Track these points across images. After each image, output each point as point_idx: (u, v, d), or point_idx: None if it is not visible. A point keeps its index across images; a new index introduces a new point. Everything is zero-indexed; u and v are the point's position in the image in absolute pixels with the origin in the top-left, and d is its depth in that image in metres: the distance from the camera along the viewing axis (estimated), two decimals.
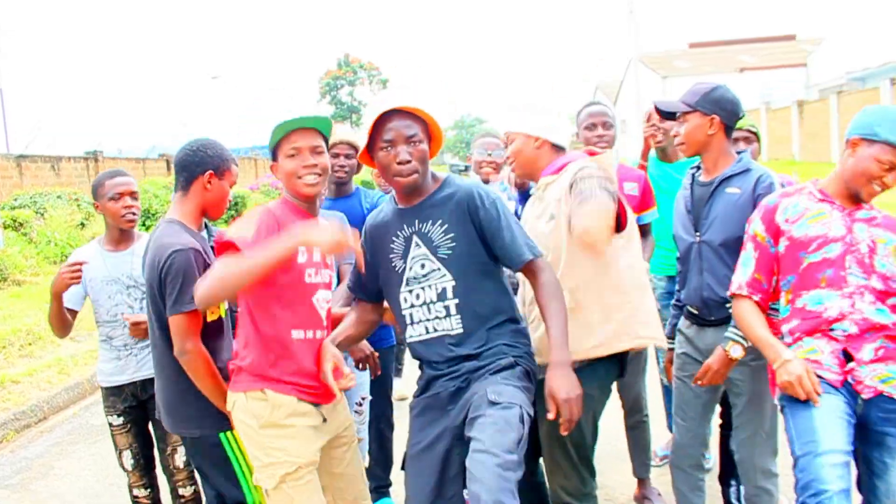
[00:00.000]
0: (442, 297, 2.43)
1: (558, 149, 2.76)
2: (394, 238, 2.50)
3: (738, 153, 2.93)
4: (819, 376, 2.37)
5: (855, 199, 2.48)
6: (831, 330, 2.40)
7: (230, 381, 2.50)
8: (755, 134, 3.46)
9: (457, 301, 2.42)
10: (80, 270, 3.07)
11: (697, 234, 2.88)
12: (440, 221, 2.44)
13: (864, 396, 2.37)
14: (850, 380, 2.38)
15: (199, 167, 2.67)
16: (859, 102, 22.97)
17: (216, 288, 2.26)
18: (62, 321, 3.23)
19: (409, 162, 2.38)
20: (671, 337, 3.11)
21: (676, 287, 3.13)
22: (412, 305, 2.47)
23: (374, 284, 2.60)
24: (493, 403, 2.23)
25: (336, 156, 3.50)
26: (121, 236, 3.26)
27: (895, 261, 2.41)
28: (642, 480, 3.73)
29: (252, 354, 2.44)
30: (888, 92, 21.05)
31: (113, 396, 3.25)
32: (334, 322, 2.65)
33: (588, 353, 2.48)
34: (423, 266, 2.45)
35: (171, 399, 2.65)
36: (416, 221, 2.46)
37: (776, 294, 2.60)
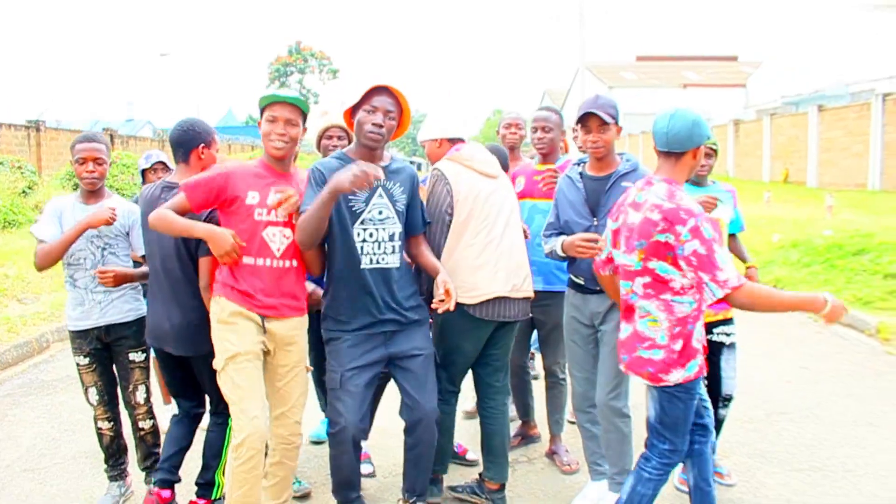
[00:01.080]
0: (392, 238, 3.19)
1: (454, 141, 3.59)
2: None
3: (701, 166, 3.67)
4: None
5: None
6: None
7: None
8: (715, 151, 3.89)
9: (399, 244, 3.22)
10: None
11: (595, 218, 3.40)
12: (398, 184, 3.23)
13: None
14: None
15: (192, 143, 3.29)
16: (790, 125, 24.20)
17: (155, 224, 3.02)
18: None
19: (381, 127, 3.10)
20: None
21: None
22: (364, 240, 3.14)
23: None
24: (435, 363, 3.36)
25: (329, 137, 4.02)
26: (90, 194, 3.58)
27: None
28: (554, 436, 4.23)
29: (221, 272, 3.10)
30: (815, 117, 22.25)
31: (79, 339, 3.57)
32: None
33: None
34: (380, 212, 3.17)
35: (196, 325, 3.18)
36: (383, 179, 3.08)
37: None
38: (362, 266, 3.13)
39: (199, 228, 2.98)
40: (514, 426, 4.38)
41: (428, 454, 3.30)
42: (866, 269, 8.22)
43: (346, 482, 3.23)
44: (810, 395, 5.26)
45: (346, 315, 3.16)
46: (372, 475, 3.97)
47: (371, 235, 3.14)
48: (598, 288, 3.39)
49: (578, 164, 3.58)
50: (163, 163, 4.53)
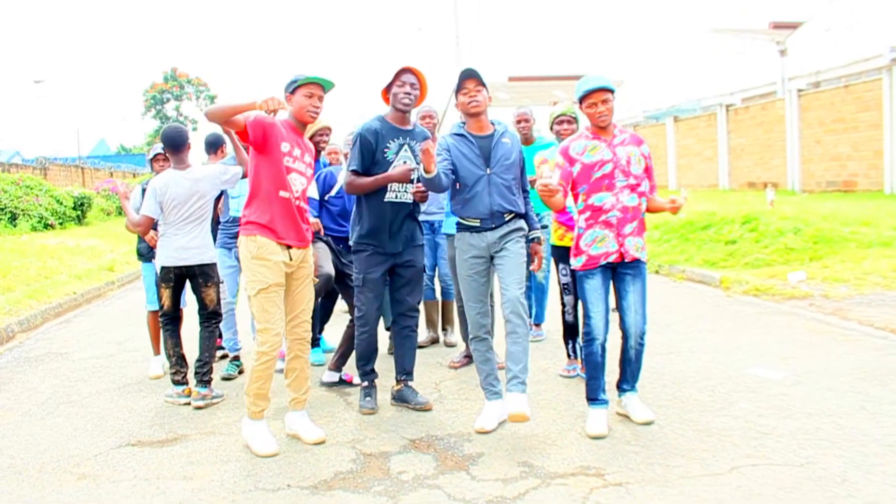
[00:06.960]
0: (412, 182, 4.32)
1: None
2: (390, 141, 4.34)
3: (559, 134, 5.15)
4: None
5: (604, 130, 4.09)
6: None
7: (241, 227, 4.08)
8: (575, 119, 5.24)
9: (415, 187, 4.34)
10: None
11: (488, 168, 4.18)
12: (418, 142, 4.35)
13: (627, 260, 4.06)
14: (622, 250, 4.02)
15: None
16: (651, 134, 26.85)
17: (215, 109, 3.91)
18: None
19: (409, 97, 4.30)
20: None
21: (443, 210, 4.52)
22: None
23: (370, 164, 4.33)
24: (422, 271, 4.61)
25: (321, 135, 5.27)
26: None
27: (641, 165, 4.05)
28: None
29: (252, 211, 3.96)
30: (671, 127, 24.95)
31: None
32: None
33: None
34: (405, 162, 4.35)
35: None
36: (408, 138, 4.38)
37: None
38: (388, 199, 4.31)
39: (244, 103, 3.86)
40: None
41: (413, 343, 4.51)
42: (711, 239, 10.10)
43: (365, 356, 4.43)
44: (679, 328, 6.82)
45: (369, 233, 4.34)
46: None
47: None
48: (493, 225, 4.15)
49: (461, 127, 4.30)
50: (164, 154, 5.48)
